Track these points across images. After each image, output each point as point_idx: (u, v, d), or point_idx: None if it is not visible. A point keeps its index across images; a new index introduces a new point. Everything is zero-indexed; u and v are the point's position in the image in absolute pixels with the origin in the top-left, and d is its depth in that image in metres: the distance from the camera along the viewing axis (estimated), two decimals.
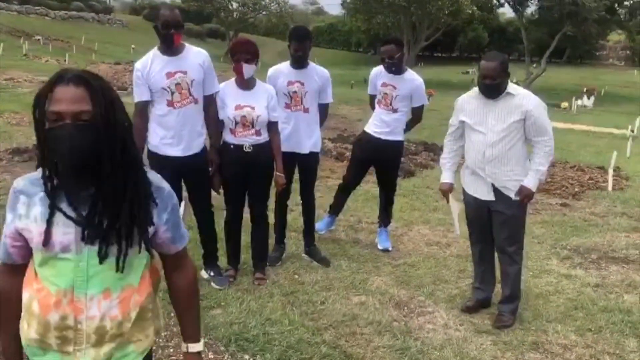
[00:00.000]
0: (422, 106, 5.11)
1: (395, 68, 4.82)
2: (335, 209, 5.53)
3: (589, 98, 27.28)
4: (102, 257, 1.54)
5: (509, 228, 3.83)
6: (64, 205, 1.53)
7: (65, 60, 28.29)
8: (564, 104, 25.70)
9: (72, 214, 1.53)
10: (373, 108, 5.15)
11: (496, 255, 4.03)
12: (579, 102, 25.89)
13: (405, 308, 4.09)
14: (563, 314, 4.13)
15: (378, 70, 5.02)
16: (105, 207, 1.52)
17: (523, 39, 36.33)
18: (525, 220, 3.94)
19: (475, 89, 3.79)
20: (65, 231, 1.53)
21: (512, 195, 3.73)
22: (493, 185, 3.77)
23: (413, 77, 4.93)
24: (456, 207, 4.17)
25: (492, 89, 3.65)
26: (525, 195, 3.71)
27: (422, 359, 3.38)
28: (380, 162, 5.16)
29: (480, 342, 3.64)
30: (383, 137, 5.01)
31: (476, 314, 4.02)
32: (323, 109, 4.64)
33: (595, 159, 10.98)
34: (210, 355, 3.25)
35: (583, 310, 4.19)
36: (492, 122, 3.68)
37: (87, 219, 1.53)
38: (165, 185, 1.70)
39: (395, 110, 4.93)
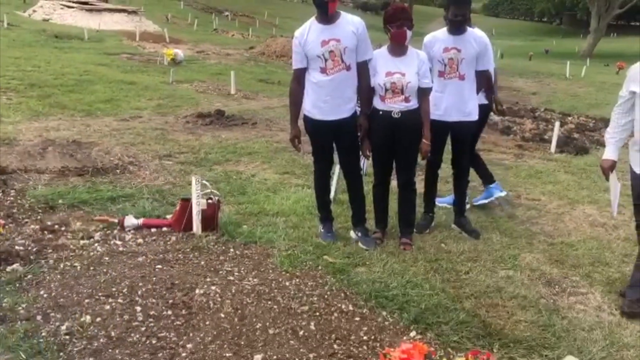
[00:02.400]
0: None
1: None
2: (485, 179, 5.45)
3: None
4: None
5: None
6: None
7: (249, 35, 30.44)
8: None
9: None
10: None
11: None
12: None
13: (557, 287, 3.90)
14: None
15: None
16: None
17: None
18: None
19: None
20: None
21: None
22: None
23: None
24: (616, 186, 3.82)
25: None
26: None
27: (567, 337, 3.23)
28: None
29: (637, 329, 3.37)
30: None
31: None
32: (480, 76, 4.50)
33: None
34: (350, 307, 3.42)
35: None
36: None
37: None
38: None
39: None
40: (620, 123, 3.68)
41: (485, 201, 5.41)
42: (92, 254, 3.90)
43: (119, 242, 4.11)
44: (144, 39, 21.09)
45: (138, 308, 3.23)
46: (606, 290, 3.86)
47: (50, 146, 6.48)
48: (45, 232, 4.19)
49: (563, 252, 4.49)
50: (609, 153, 3.76)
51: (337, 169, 4.96)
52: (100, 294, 3.35)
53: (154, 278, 3.59)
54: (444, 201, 5.24)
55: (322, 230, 4.45)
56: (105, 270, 3.66)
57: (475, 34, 4.40)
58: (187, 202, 4.33)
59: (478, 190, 5.64)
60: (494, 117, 10.49)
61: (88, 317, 3.09)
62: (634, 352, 3.13)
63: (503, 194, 5.46)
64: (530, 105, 12.82)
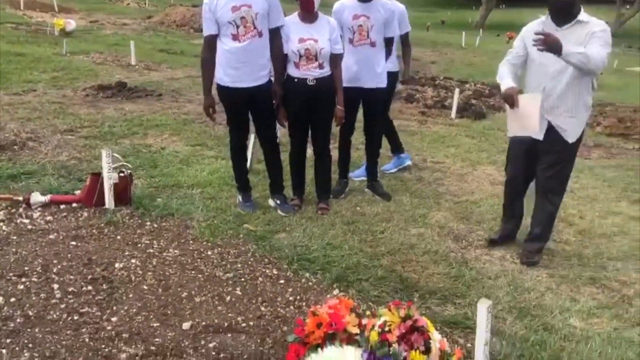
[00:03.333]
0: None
1: None
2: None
3: None
4: None
5: (556, 168, 3.71)
6: None
7: (145, 3, 29.08)
8: None
9: None
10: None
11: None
12: None
13: (464, 241, 4.18)
14: (626, 253, 4.10)
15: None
16: None
17: None
18: (574, 164, 3.80)
19: (543, 17, 3.58)
20: None
21: (565, 137, 3.58)
22: (549, 123, 3.62)
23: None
24: (538, 101, 3.55)
25: (564, 6, 3.40)
26: (549, 39, 3.23)
27: (476, 286, 3.49)
28: None
29: (536, 274, 3.70)
30: None
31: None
32: (388, 43, 4.63)
33: None
34: (274, 272, 3.49)
35: None
36: None
37: None
38: None
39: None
40: (509, 71, 3.73)
41: (395, 170, 5.63)
42: None
43: (26, 221, 3.90)
44: (29, 8, 19.59)
45: (55, 286, 3.11)
46: (508, 242, 4.18)
47: None
48: None
49: (468, 209, 4.79)
50: (510, 82, 3.67)
51: (252, 138, 4.96)
52: (11, 274, 3.18)
53: (69, 255, 3.46)
54: (358, 175, 5.36)
55: (241, 200, 4.46)
56: (14, 249, 3.47)
57: (383, 1, 4.49)
58: (97, 176, 4.18)
59: (386, 157, 5.84)
60: (398, 86, 10.86)
61: (0, 298, 2.94)
62: (533, 294, 3.44)
63: (410, 163, 5.75)
64: (431, 73, 13.35)
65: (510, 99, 3.61)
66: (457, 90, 9.03)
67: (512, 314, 3.19)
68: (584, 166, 6.26)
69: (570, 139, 3.62)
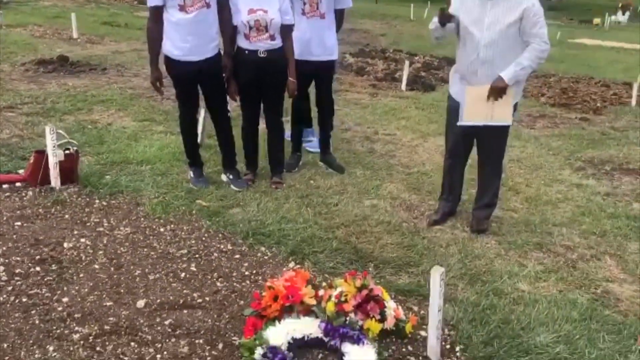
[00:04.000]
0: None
1: None
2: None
3: (623, 14, 26.27)
4: None
5: (496, 139, 3.80)
6: None
7: None
8: (596, 21, 24.78)
9: None
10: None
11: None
12: (613, 18, 24.94)
13: (416, 211, 4.25)
14: (570, 219, 4.26)
15: None
16: None
17: None
18: (509, 132, 3.86)
19: None
20: None
21: None
22: None
23: None
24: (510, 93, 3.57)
25: None
26: (496, 84, 3.52)
27: (428, 254, 3.57)
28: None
29: (486, 241, 3.81)
30: None
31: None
32: (339, 15, 4.61)
33: (622, 75, 10.77)
34: (229, 247, 3.47)
35: (590, 216, 4.31)
36: (488, 21, 3.51)
37: None
38: None
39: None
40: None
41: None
42: None
43: None
44: None
45: (0, 268, 3.00)
46: (458, 210, 4.28)
47: None
48: None
49: (419, 180, 4.87)
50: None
51: (202, 112, 4.87)
52: None
53: (14, 236, 3.34)
54: (312, 145, 5.32)
55: (192, 176, 4.39)
56: None
57: None
58: (41, 154, 4.03)
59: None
60: (348, 59, 10.86)
61: None
62: (483, 261, 3.55)
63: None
64: (380, 46, 13.37)
65: (445, 17, 3.56)
66: (407, 63, 9.10)
67: (463, 280, 3.28)
68: (530, 136, 6.45)
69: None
